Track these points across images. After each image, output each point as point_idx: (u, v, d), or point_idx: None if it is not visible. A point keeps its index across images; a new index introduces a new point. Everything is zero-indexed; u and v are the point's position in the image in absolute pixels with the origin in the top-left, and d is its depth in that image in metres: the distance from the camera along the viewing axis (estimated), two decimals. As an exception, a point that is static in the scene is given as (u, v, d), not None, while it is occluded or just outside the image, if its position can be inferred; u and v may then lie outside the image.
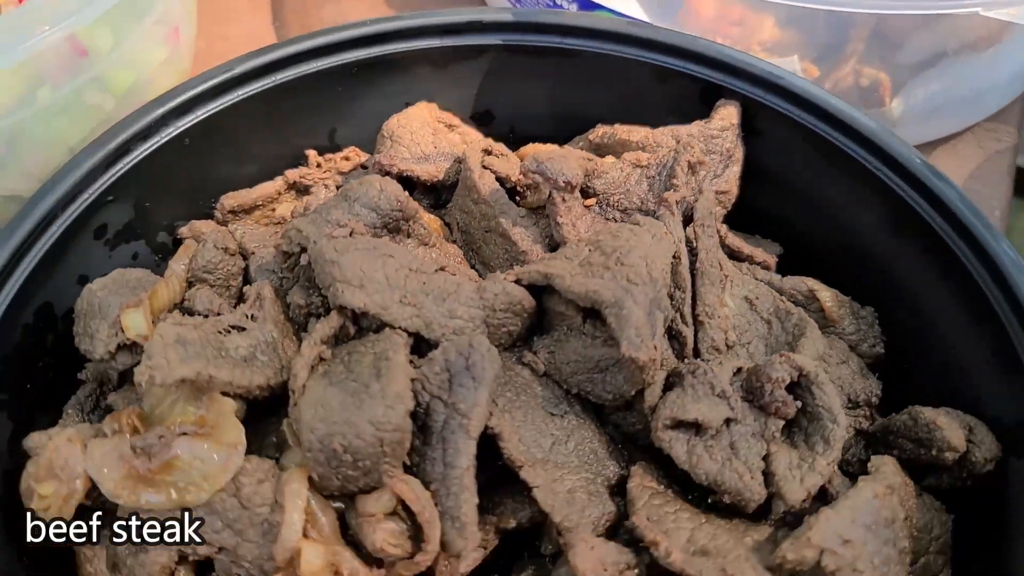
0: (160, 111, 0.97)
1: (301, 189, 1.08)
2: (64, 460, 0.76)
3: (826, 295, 0.97)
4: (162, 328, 0.79)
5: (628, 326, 0.78)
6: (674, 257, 0.88)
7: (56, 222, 0.90)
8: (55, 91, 0.92)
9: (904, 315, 0.98)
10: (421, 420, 0.79)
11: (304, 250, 0.87)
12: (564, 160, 0.91)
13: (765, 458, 0.80)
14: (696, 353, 0.89)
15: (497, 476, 0.84)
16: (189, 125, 0.99)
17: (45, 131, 0.97)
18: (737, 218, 1.07)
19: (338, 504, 0.79)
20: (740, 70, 1.04)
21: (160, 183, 0.99)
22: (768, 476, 0.79)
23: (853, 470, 0.89)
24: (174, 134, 0.98)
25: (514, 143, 1.12)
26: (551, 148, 0.97)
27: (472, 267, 0.99)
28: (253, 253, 0.97)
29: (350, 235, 0.87)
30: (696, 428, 0.80)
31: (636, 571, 0.74)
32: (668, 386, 0.83)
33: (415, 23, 1.07)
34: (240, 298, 0.93)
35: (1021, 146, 1.34)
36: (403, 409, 0.74)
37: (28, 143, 0.96)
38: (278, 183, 1.07)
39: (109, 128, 0.94)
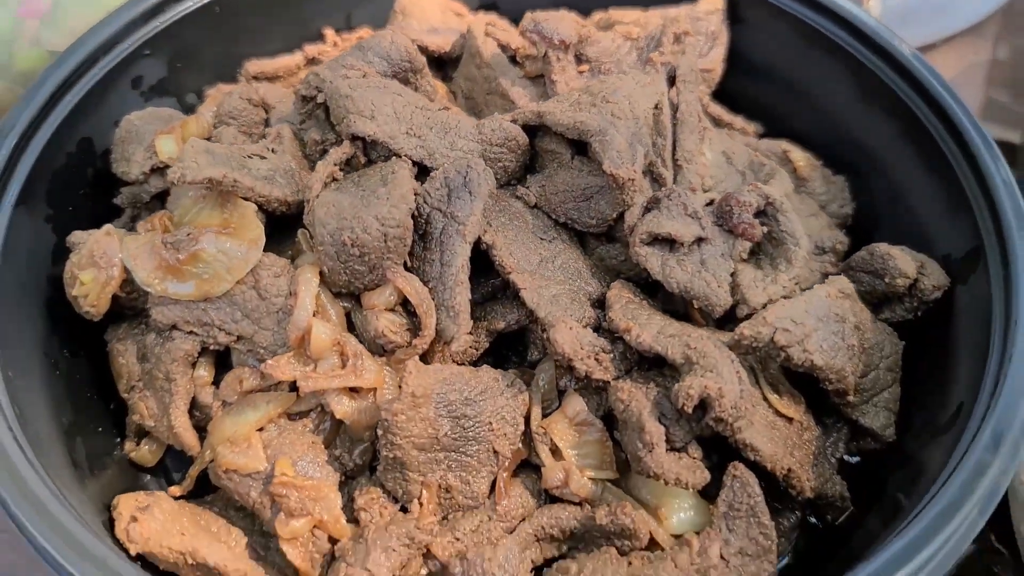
0: (193, -25, 1.06)
1: (318, 64, 1.17)
2: (103, 250, 0.85)
3: (798, 154, 1.05)
4: (192, 140, 0.88)
5: (611, 149, 0.87)
6: (656, 107, 0.97)
7: (97, 65, 0.99)
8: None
9: (874, 181, 1.06)
10: (422, 229, 0.88)
11: (321, 92, 0.96)
12: (560, 20, 1.01)
13: (732, 275, 0.88)
14: (674, 194, 0.98)
15: (489, 294, 0.93)
16: (219, -7, 1.09)
17: (88, -7, 1.06)
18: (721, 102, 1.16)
19: (345, 304, 0.88)
20: (726, -40, 1.13)
21: (191, 47, 1.09)
22: (734, 288, 0.87)
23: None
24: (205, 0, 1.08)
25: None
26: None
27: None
28: (274, 108, 1.06)
29: (363, 77, 0.96)
30: (670, 245, 0.88)
31: (611, 355, 0.83)
32: (646, 212, 0.91)
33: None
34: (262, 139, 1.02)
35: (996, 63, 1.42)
36: (406, 208, 0.83)
37: (72, 3, 1.06)
38: (297, 57, 1.16)
39: (148, -13, 1.04)
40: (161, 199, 0.98)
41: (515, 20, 1.25)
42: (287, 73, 1.16)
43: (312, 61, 1.17)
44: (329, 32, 1.19)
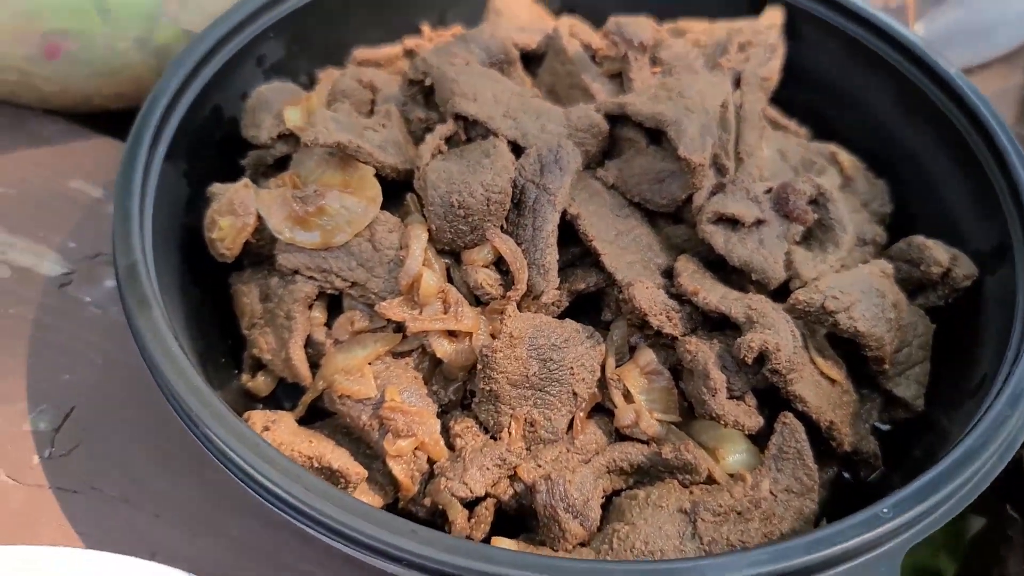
0: (314, -30, 1.20)
1: (415, 56, 1.30)
2: (241, 200, 0.98)
3: (845, 156, 1.17)
4: (320, 110, 1.02)
5: (685, 136, 0.99)
6: (722, 105, 1.09)
7: (230, 43, 1.13)
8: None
9: (912, 184, 1.18)
10: (516, 199, 1.00)
11: (428, 76, 1.09)
12: (639, 24, 1.13)
13: (787, 255, 1.00)
14: (736, 183, 1.10)
15: (570, 262, 1.05)
16: (334, -13, 1.22)
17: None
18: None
19: (445, 260, 1.01)
20: (787, -19, 1.26)
21: (307, 33, 1.22)
22: (788, 265, 0.99)
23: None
24: (322, -8, 1.21)
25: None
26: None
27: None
28: (380, 90, 1.19)
29: (466, 65, 1.09)
30: (733, 224, 1.00)
31: (679, 315, 0.95)
32: (712, 195, 1.03)
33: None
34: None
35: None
36: (507, 176, 0.96)
37: (207, -12, 1.20)
38: (397, 48, 1.29)
39: (275, -22, 1.17)
40: (279, 164, 1.11)
41: (592, 23, 1.39)
42: (387, 62, 1.28)
43: (409, 53, 1.30)
44: (426, 27, 1.32)
